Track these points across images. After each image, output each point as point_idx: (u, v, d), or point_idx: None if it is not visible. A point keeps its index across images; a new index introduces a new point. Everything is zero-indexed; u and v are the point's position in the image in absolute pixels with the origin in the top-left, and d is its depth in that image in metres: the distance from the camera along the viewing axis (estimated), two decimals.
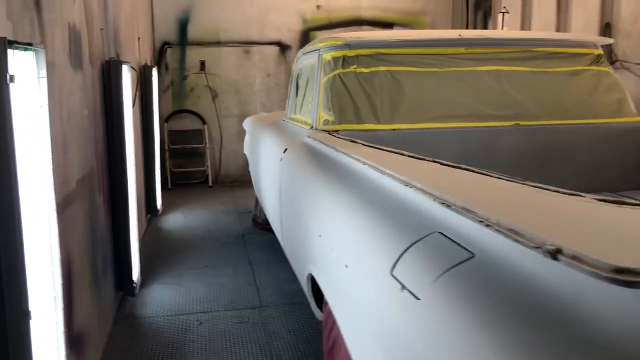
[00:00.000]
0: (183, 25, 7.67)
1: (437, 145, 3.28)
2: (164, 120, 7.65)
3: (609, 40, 3.87)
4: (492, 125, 3.36)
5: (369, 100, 3.32)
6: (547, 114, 3.48)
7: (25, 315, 1.64)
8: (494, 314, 1.07)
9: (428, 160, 2.05)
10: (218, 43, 7.78)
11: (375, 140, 3.03)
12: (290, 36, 7.98)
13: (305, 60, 3.96)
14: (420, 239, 1.47)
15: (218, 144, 8.04)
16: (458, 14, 8.47)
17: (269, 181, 3.97)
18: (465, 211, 1.35)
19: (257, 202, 5.47)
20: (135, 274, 4.03)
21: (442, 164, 1.96)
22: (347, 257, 1.91)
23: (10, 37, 1.90)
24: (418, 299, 1.34)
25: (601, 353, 0.85)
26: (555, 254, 0.96)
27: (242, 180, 7.83)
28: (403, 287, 1.42)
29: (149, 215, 6.19)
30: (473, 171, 1.78)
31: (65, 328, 2.23)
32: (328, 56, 3.46)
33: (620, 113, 3.60)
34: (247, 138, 5.61)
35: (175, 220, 6.27)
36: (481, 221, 1.24)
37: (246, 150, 5.60)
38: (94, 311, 3.12)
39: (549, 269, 1.00)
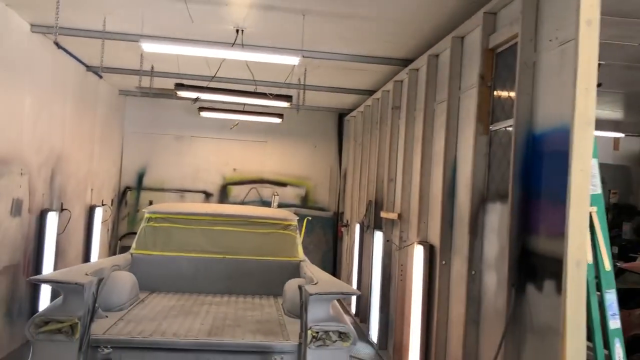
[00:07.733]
0: (140, 176, 11.62)
1: (181, 264, 6.71)
2: (118, 238, 11.38)
3: (295, 217, 7.35)
4: (211, 256, 6.79)
5: (154, 239, 6.84)
6: (245, 252, 6.88)
7: None
8: None
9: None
10: (162, 189, 11.65)
11: (151, 259, 6.55)
12: (213, 187, 11.78)
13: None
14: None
15: None
16: (334, 179, 12.12)
17: None
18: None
19: None
20: None
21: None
22: None
23: None
24: None
25: None
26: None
27: None
28: None
29: None
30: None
31: None
32: (145, 216, 7.08)
33: (288, 254, 6.96)
34: None
35: None
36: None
37: None
38: None
39: None
